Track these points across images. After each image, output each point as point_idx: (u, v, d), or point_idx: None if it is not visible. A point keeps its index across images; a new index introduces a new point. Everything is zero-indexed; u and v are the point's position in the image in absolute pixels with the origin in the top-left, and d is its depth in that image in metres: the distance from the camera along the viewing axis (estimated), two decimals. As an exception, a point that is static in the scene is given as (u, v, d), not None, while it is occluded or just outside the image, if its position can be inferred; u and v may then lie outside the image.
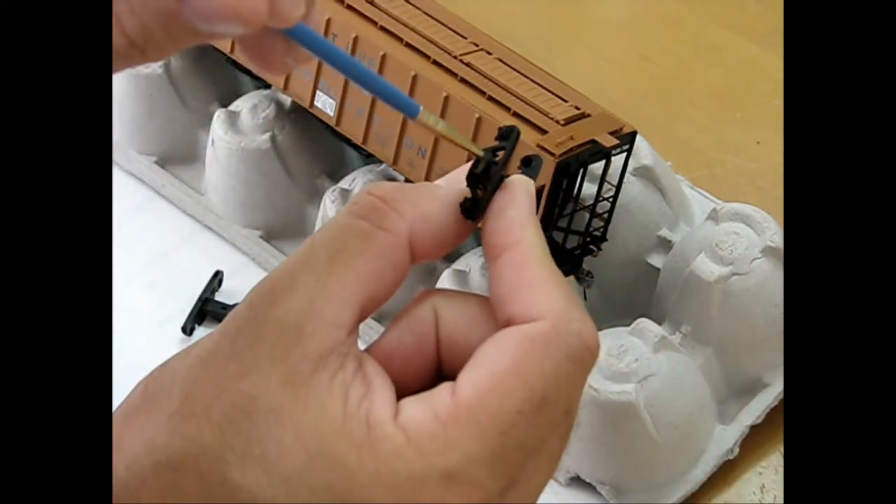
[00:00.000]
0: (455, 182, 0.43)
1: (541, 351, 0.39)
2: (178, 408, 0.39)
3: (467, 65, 0.66)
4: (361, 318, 0.40)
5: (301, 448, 0.38)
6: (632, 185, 0.70)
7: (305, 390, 0.38)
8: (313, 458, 0.38)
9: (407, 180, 0.70)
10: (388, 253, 0.41)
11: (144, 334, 0.72)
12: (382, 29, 0.68)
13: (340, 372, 0.39)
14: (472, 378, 0.39)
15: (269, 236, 0.77)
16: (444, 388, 0.39)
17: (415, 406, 0.39)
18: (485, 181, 0.42)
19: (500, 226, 0.42)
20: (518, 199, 0.43)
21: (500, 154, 0.43)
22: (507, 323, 0.40)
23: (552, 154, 0.62)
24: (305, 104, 0.71)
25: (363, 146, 0.70)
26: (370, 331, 0.69)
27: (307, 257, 0.40)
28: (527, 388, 0.39)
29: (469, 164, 0.43)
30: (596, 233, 0.67)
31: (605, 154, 0.64)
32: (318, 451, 0.38)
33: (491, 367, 0.39)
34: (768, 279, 0.67)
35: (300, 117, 0.75)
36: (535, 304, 0.40)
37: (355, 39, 0.68)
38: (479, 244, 0.70)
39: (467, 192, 0.42)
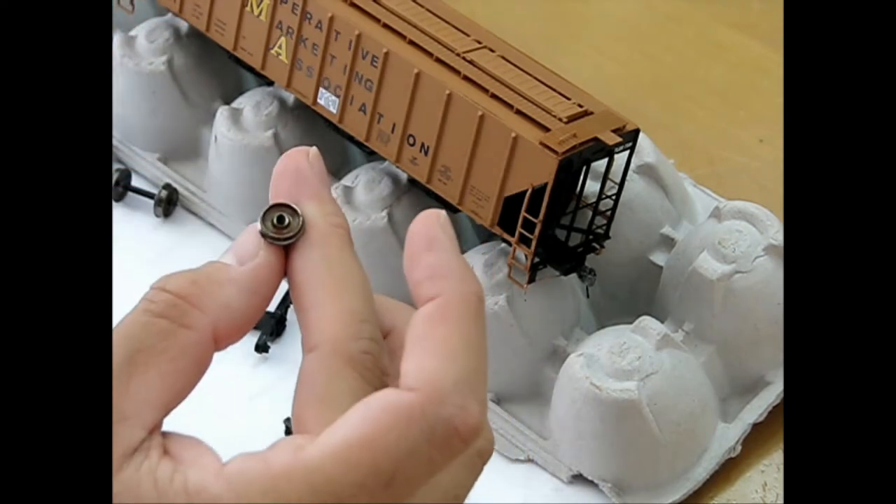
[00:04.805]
0: (244, 256, 0.41)
1: (401, 428, 0.37)
2: None
3: (470, 62, 0.66)
4: (165, 415, 0.39)
5: None
6: (634, 183, 0.70)
7: (115, 488, 0.37)
8: None
9: (409, 177, 0.70)
10: (190, 351, 0.39)
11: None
12: (385, 26, 0.68)
13: (146, 462, 0.38)
14: (325, 439, 0.38)
15: (272, 233, 0.77)
16: (290, 442, 0.38)
17: (248, 459, 0.38)
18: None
19: (417, 277, 0.40)
20: (437, 240, 0.41)
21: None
22: (399, 380, 0.39)
23: (555, 151, 0.62)
24: (308, 101, 0.72)
25: (366, 143, 0.70)
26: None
27: None
28: (374, 465, 0.37)
29: (254, 228, 0.42)
30: (599, 230, 0.67)
31: (608, 152, 0.64)
32: None
33: (346, 433, 0.37)
34: (771, 277, 0.67)
35: (303, 115, 0.75)
36: (418, 370, 0.38)
37: (358, 37, 0.68)
38: (482, 241, 0.70)
39: (261, 270, 0.41)
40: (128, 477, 0.37)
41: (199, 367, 0.40)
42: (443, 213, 0.41)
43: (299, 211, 0.42)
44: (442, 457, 0.38)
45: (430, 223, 0.41)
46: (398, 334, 0.42)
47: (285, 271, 0.42)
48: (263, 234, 0.41)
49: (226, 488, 0.37)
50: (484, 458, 0.40)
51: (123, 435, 0.38)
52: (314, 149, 0.43)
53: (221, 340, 0.41)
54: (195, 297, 0.40)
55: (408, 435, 0.37)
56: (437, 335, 0.39)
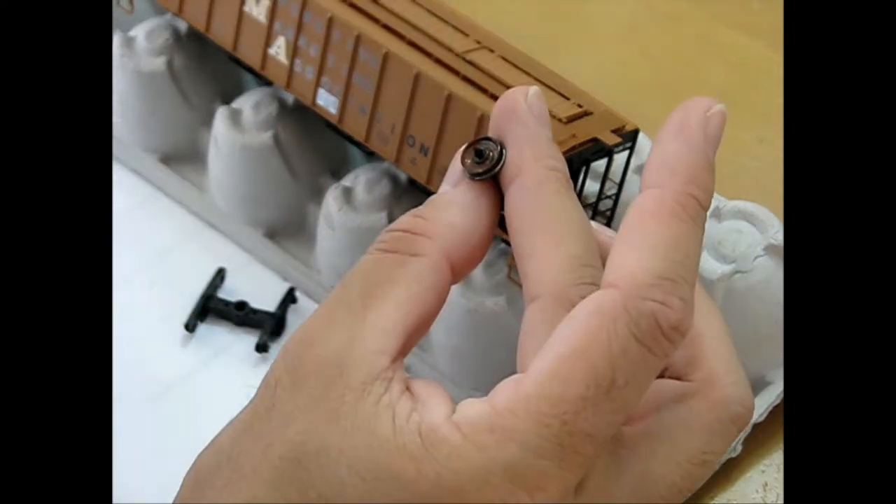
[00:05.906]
0: (457, 179, 0.42)
1: (608, 328, 0.36)
2: (228, 477, 0.38)
3: (470, 63, 0.66)
4: (409, 345, 0.39)
5: (357, 478, 0.36)
6: (634, 184, 0.70)
7: (351, 420, 0.37)
8: (371, 484, 0.36)
9: (409, 178, 0.70)
10: (424, 277, 0.40)
11: (146, 331, 0.72)
12: (385, 27, 0.68)
13: (386, 395, 0.37)
14: (537, 364, 0.37)
15: (272, 234, 0.77)
16: (511, 380, 0.38)
17: (473, 403, 0.37)
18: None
19: (651, 157, 0.39)
20: (689, 134, 0.39)
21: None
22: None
23: (554, 152, 0.62)
24: (308, 102, 0.71)
25: (365, 144, 0.70)
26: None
27: (341, 297, 0.39)
28: (592, 371, 0.36)
29: (465, 147, 0.42)
30: (598, 231, 0.67)
31: (608, 152, 0.63)
32: (375, 476, 0.36)
33: (558, 350, 0.37)
34: (771, 277, 0.67)
35: (302, 115, 0.75)
36: (618, 265, 0.37)
37: (357, 38, 0.68)
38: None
39: (474, 188, 0.41)
40: (367, 409, 0.37)
41: (436, 293, 0.40)
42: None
43: (501, 144, 0.41)
44: (653, 355, 0.37)
45: (699, 109, 0.40)
46: None
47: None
48: (466, 169, 0.41)
49: (455, 432, 0.37)
50: (738, 424, 0.40)
51: (364, 362, 0.38)
52: (535, 88, 0.42)
53: (456, 265, 0.40)
54: (420, 227, 0.40)
55: (616, 333, 0.36)
56: (644, 228, 0.38)
